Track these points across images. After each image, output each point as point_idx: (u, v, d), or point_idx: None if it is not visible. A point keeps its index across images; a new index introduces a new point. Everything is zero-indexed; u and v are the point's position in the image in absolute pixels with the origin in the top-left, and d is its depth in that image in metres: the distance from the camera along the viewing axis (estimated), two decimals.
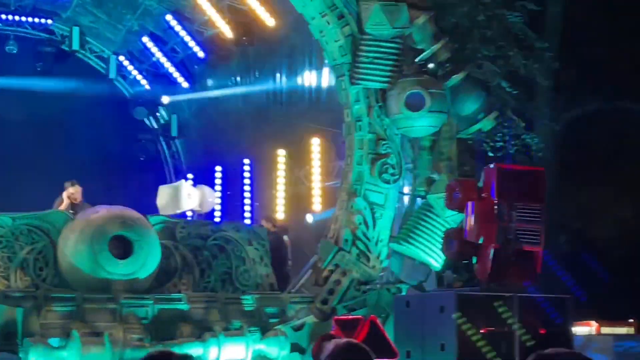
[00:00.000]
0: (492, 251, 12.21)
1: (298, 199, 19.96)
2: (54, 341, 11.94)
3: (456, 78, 14.11)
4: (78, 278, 12.88)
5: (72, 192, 14.99)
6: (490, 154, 16.50)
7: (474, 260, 12.70)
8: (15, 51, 22.59)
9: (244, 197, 21.38)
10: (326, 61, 14.97)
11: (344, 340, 5.03)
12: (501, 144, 16.71)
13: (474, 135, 14.97)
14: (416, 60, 14.22)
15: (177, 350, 12.32)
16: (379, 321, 11.95)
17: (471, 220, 12.51)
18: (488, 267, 12.23)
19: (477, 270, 12.67)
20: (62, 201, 15.00)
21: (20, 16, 22.41)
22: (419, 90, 13.84)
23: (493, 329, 11.71)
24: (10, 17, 22.34)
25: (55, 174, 19.46)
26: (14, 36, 22.70)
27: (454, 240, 12.93)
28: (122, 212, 13.39)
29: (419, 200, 14.50)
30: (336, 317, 12.36)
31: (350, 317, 12.24)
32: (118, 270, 12.91)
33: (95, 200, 14.84)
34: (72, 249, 12.91)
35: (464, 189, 12.78)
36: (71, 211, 14.29)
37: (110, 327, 12.33)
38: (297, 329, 13.33)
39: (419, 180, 14.48)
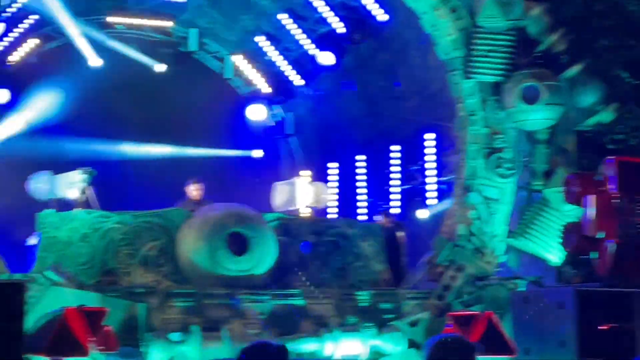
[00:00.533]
0: (612, 246, 11.92)
1: (412, 195, 19.91)
2: (174, 336, 12.19)
3: (573, 69, 13.84)
4: (196, 274, 13.14)
5: (193, 190, 15.17)
6: (610, 147, 16.07)
7: (594, 254, 12.42)
8: (135, 54, 23.15)
9: (357, 194, 21.43)
10: (439, 55, 14.83)
11: (445, 335, 4.91)
12: (621, 136, 16.24)
13: (593, 127, 14.62)
14: (532, 52, 14.01)
15: (293, 345, 12.46)
16: (495, 317, 11.80)
17: (590, 215, 12.25)
18: (608, 263, 11.95)
19: (597, 266, 12.40)
20: (188, 200, 15.07)
21: (139, 19, 22.94)
22: (534, 82, 13.64)
23: (614, 325, 11.43)
24: (130, 20, 22.90)
25: (174, 173, 19.91)
26: (134, 39, 23.27)
27: (573, 234, 12.68)
28: (239, 210, 13.59)
29: (535, 194, 14.26)
30: (452, 313, 12.27)
31: (466, 313, 12.13)
32: (235, 266, 13.11)
33: (212, 198, 15.08)
34: (190, 245, 13.18)
35: (582, 182, 12.52)
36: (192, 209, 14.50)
37: (229, 323, 12.54)
38: (413, 324, 13.29)
39: (535, 174, 14.25)
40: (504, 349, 11.39)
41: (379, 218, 16.41)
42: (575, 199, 12.62)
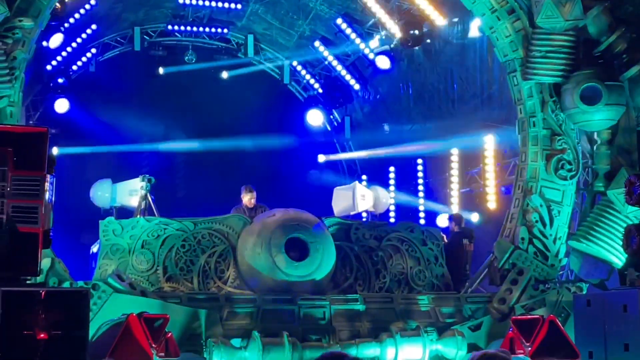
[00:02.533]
0: None
1: (471, 198, 19.77)
2: (235, 342, 12.24)
3: (634, 69, 13.63)
4: (257, 280, 13.19)
5: (247, 196, 15.15)
6: None
7: None
8: (193, 61, 23.38)
9: (417, 197, 21.35)
10: (497, 57, 14.73)
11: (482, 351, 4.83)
12: None
13: None
14: (591, 52, 13.84)
15: (355, 350, 12.44)
16: (558, 321, 11.67)
17: None
18: None
19: None
20: (242, 206, 15.09)
21: (197, 27, 23.16)
22: (594, 83, 13.47)
23: None
24: (188, 28, 23.13)
25: (234, 177, 20.01)
26: (192, 46, 23.50)
27: (636, 236, 12.47)
28: (298, 215, 13.60)
29: (598, 196, 14.08)
30: (514, 317, 12.16)
31: (528, 317, 12.01)
32: (295, 271, 13.13)
33: (271, 203, 15.11)
34: (250, 251, 13.23)
35: None
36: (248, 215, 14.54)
37: (289, 328, 12.56)
38: (475, 329, 13.19)
39: (597, 176, 14.07)
40: (568, 353, 11.25)
41: (449, 221, 16.25)
42: (637, 200, 12.41)
